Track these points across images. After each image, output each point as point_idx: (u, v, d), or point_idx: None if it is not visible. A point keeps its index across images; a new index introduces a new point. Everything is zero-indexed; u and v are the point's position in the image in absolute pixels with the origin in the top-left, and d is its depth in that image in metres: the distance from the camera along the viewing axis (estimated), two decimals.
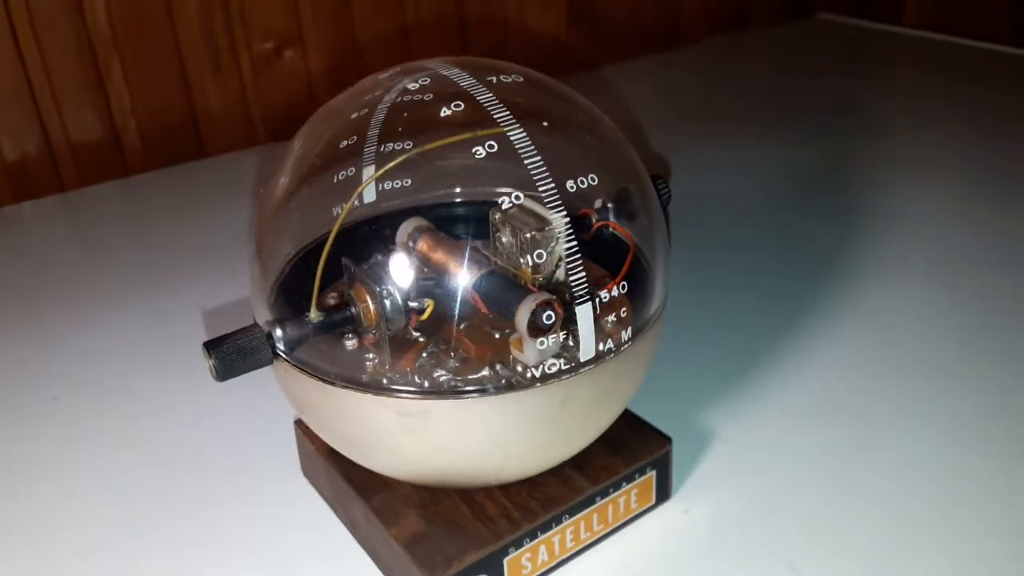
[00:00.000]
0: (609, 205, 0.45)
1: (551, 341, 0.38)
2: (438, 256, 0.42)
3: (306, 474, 0.48)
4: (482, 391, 0.35)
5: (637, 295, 0.38)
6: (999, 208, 0.77)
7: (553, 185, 0.35)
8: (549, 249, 0.42)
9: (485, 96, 0.35)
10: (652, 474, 0.43)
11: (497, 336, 0.40)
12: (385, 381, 0.36)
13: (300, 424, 0.47)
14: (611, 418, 0.40)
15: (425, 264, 0.43)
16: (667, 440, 0.44)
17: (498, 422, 0.35)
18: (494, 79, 0.36)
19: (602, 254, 0.45)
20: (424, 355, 0.39)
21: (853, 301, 0.63)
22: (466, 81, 0.36)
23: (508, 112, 0.35)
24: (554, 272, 0.42)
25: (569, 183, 0.36)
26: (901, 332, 0.59)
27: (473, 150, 0.35)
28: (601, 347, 0.36)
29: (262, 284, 0.40)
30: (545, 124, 0.36)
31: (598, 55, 1.20)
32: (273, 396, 0.54)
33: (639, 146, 0.87)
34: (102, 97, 0.89)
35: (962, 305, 0.62)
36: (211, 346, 0.35)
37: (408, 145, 0.38)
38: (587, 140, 0.39)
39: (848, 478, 0.47)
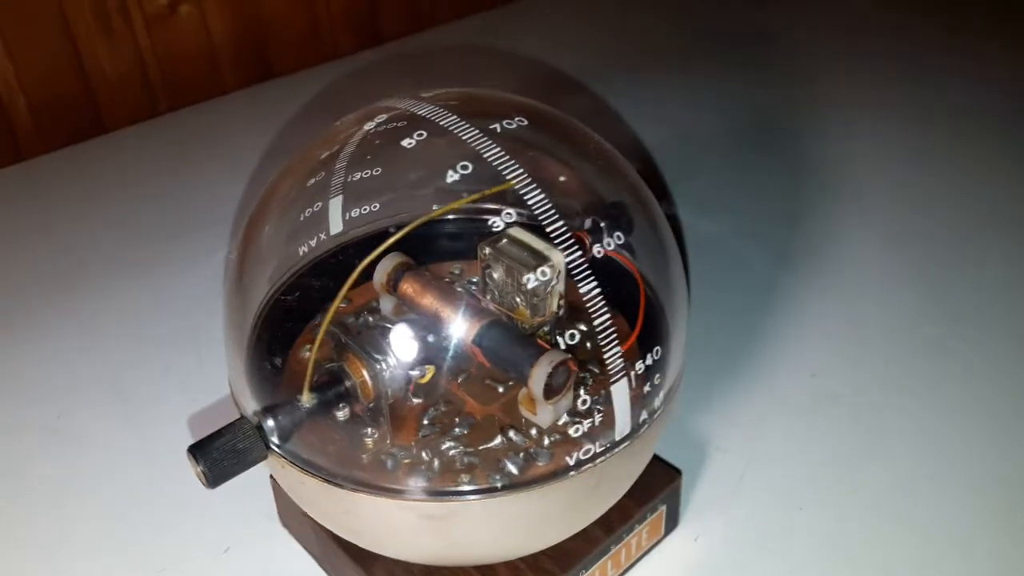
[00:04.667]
0: (601, 224, 0.42)
1: (565, 400, 0.35)
2: (427, 302, 0.38)
3: (285, 523, 0.44)
4: (511, 487, 0.31)
5: (663, 346, 0.35)
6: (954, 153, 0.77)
7: (581, 253, 0.31)
8: (549, 289, 0.38)
9: (497, 155, 0.31)
10: (663, 509, 0.41)
11: (501, 390, 0.37)
12: (404, 484, 0.32)
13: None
14: (638, 475, 0.37)
15: (412, 310, 0.39)
16: (676, 473, 0.42)
17: (530, 515, 0.32)
18: (497, 127, 0.32)
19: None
20: (425, 422, 0.35)
21: (817, 272, 0.62)
22: (469, 134, 0.31)
23: (523, 172, 0.30)
24: (556, 312, 0.39)
25: (596, 248, 0.32)
26: (870, 304, 0.59)
27: (491, 222, 0.31)
28: (636, 419, 0.33)
29: (246, 366, 0.35)
30: (562, 179, 0.32)
31: None
32: None
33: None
34: None
35: (927, 272, 0.62)
36: (198, 451, 0.30)
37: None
38: (601, 188, 0.35)
39: (861, 479, 0.46)
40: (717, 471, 0.47)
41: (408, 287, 0.39)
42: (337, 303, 0.31)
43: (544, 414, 0.34)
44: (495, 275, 0.38)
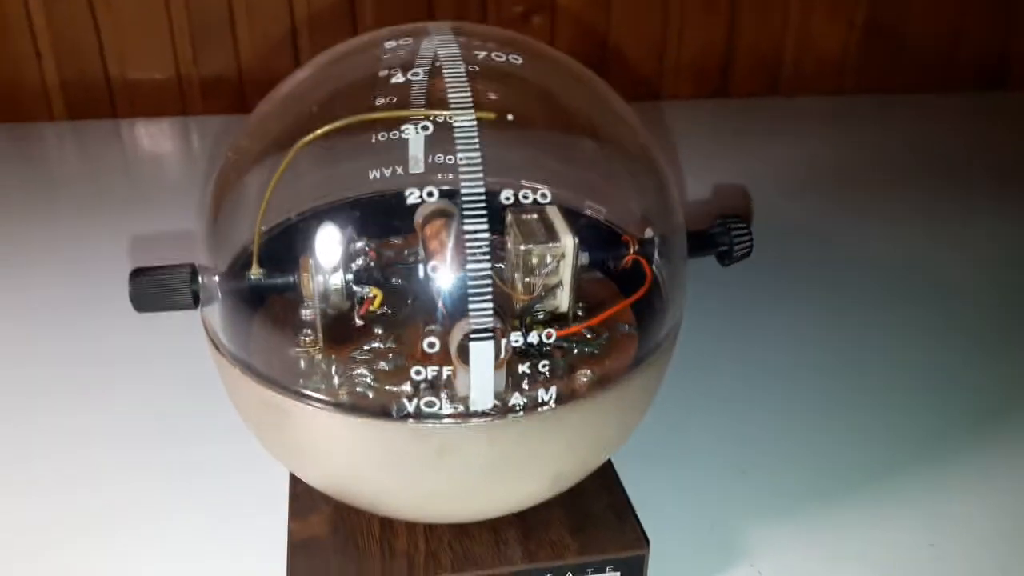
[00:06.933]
0: (655, 240, 0.37)
1: (496, 375, 0.31)
2: (434, 245, 0.37)
3: None
4: (339, 406, 0.29)
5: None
6: None
7: (482, 187, 0.28)
8: (544, 270, 0.34)
9: (455, 71, 0.29)
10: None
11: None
12: (262, 367, 0.31)
13: None
14: (543, 492, 0.32)
15: (425, 250, 0.38)
16: (644, 541, 0.35)
17: (357, 448, 0.29)
18: (482, 54, 0.30)
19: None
20: (364, 348, 0.34)
21: (990, 439, 0.47)
22: (447, 49, 0.30)
23: (469, 93, 0.28)
24: (551, 296, 0.35)
25: (506, 193, 0.28)
26: None
27: (402, 128, 0.29)
28: (512, 400, 0.28)
29: (210, 220, 0.36)
30: (510, 118, 0.28)
31: (892, 81, 1.03)
32: None
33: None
34: None
35: None
36: (133, 276, 0.33)
37: None
38: (578, 146, 0.31)
39: None
40: None
41: (429, 229, 0.38)
42: (275, 180, 0.31)
43: (460, 378, 0.31)
44: (509, 244, 0.36)
